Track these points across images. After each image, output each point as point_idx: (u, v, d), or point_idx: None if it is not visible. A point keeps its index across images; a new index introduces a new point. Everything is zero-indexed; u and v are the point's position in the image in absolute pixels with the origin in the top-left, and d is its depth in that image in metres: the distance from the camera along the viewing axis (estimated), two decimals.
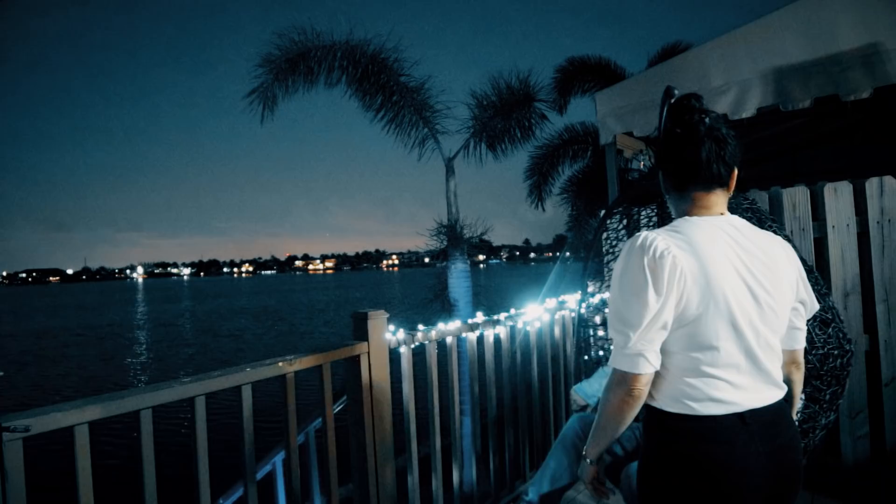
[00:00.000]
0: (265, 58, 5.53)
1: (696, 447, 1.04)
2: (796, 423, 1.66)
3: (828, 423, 1.74)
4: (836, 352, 1.70)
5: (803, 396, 1.67)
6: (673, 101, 1.15)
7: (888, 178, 2.39)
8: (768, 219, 1.88)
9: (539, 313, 2.83)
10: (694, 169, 1.09)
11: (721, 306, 1.03)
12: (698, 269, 1.02)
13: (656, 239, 1.04)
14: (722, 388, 1.04)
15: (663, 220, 2.31)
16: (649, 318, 1.01)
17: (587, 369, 2.44)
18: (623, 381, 1.05)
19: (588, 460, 1.23)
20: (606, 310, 1.96)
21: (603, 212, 2.88)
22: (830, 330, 1.71)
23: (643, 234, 1.06)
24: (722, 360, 1.04)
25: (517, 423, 2.69)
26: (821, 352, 1.68)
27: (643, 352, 1.03)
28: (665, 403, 1.07)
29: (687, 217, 1.11)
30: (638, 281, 1.02)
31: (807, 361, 1.66)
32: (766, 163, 5.61)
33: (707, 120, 1.09)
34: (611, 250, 2.56)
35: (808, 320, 1.30)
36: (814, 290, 1.74)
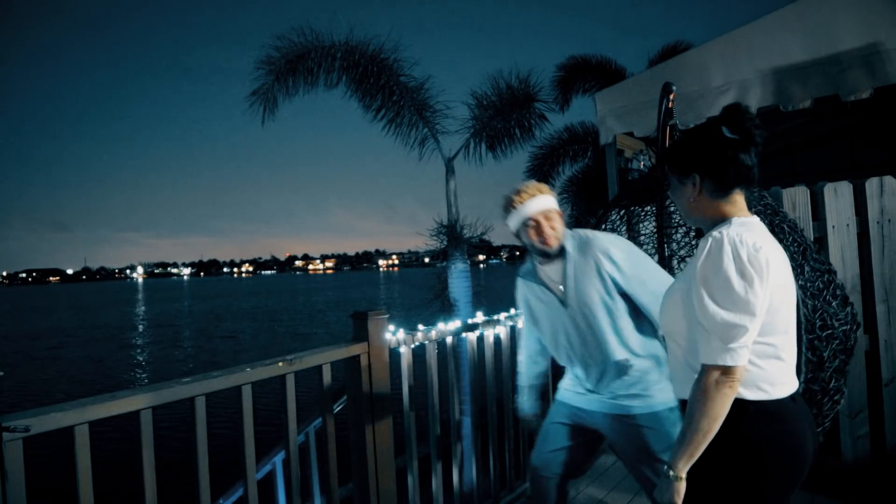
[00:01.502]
0: (265, 59, 5.54)
1: (774, 429, 1.10)
2: (831, 395, 1.88)
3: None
4: (854, 326, 1.87)
5: (830, 368, 1.84)
6: (726, 107, 1.20)
7: (888, 178, 2.40)
8: (770, 210, 1.94)
9: None
10: (745, 172, 1.17)
11: (789, 293, 1.15)
12: (778, 260, 1.12)
13: (742, 234, 1.09)
14: (785, 370, 1.14)
15: (662, 217, 2.31)
16: (759, 308, 1.06)
17: None
18: (723, 376, 1.06)
19: (678, 476, 1.10)
20: None
21: (601, 211, 2.88)
22: (848, 308, 1.82)
23: (723, 232, 1.10)
24: (788, 343, 1.15)
25: (517, 423, 2.69)
26: (844, 327, 1.80)
27: (747, 343, 1.07)
28: (742, 392, 1.10)
29: (737, 217, 1.18)
30: (745, 274, 1.06)
31: (834, 337, 1.85)
32: (766, 163, 5.60)
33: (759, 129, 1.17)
34: None
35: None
36: (821, 269, 1.83)
